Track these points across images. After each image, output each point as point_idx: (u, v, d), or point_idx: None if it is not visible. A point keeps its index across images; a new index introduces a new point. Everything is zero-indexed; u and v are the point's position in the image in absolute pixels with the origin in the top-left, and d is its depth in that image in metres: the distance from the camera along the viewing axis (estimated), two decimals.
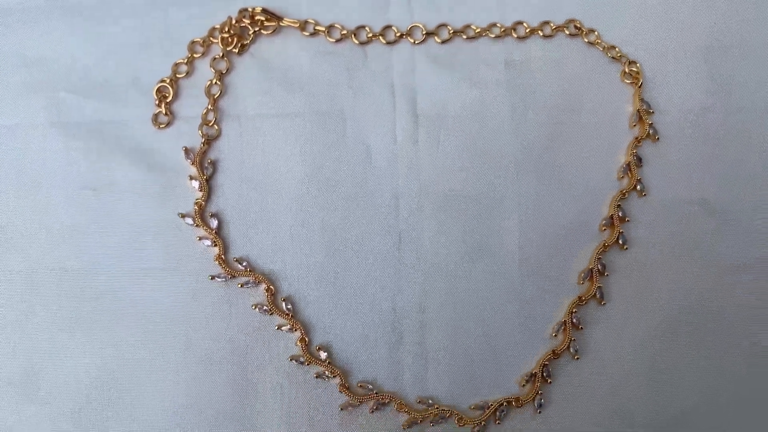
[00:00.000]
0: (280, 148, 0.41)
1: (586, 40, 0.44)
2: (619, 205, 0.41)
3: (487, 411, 0.38)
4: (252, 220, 0.40)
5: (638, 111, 0.42)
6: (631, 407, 0.39)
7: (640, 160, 0.42)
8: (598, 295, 0.40)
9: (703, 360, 0.39)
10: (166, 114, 0.41)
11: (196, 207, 0.40)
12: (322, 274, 0.40)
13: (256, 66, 0.43)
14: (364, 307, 0.39)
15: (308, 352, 0.38)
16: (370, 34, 0.43)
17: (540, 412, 0.38)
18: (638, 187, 0.41)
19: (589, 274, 0.40)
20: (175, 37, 0.43)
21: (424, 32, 0.43)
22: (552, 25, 0.43)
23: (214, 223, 0.40)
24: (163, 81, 0.42)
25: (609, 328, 0.40)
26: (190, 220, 0.40)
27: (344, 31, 0.43)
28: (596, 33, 0.44)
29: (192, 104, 0.42)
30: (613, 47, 0.43)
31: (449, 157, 0.42)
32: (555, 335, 0.39)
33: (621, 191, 0.41)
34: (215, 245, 0.39)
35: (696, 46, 0.44)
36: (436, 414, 0.38)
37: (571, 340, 0.39)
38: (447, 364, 0.39)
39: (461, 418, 0.38)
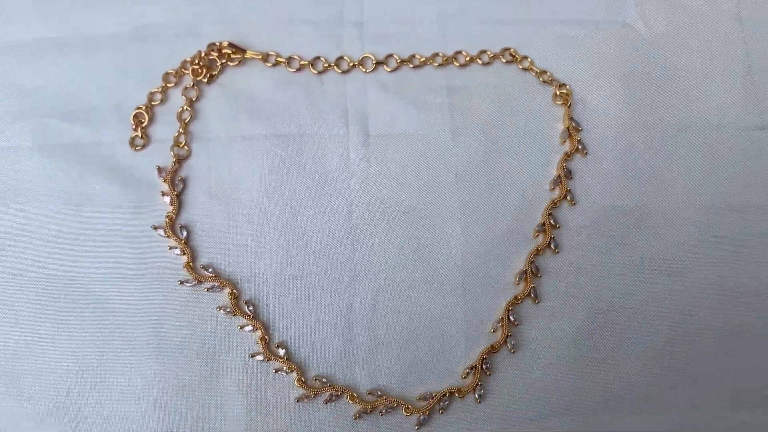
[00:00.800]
0: (244, 167, 0.45)
1: (521, 66, 0.48)
2: (551, 213, 0.45)
3: (432, 401, 0.42)
4: (218, 231, 0.44)
5: (568, 128, 0.47)
6: (563, 395, 0.42)
7: (569, 172, 0.46)
8: (532, 295, 0.44)
9: (627, 350, 0.43)
10: (141, 137, 0.46)
11: (167, 219, 0.44)
12: (280, 278, 0.44)
13: (223, 94, 0.47)
14: (320, 308, 0.43)
15: (268, 350, 0.42)
16: (326, 64, 0.47)
17: (480, 402, 0.42)
18: (568, 196, 0.46)
19: (524, 276, 0.44)
20: (151, 69, 0.47)
21: (374, 62, 0.48)
22: (489, 53, 0.48)
23: (183, 234, 0.44)
24: (139, 108, 0.46)
25: (542, 324, 0.44)
26: (161, 232, 0.44)
27: (303, 62, 0.47)
28: (529, 60, 0.48)
29: (165, 128, 0.46)
30: (545, 72, 0.48)
31: (397, 173, 0.46)
32: (494, 331, 0.43)
33: (552, 200, 0.45)
34: (184, 254, 0.43)
35: (618, 71, 0.48)
36: (385, 404, 0.42)
37: (507, 336, 0.43)
38: (396, 358, 0.43)
39: (408, 408, 0.42)
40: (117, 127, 0.46)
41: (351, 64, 0.48)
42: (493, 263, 0.45)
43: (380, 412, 0.42)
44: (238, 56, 0.47)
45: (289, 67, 0.47)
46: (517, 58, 0.48)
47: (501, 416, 0.42)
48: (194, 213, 0.45)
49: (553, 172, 0.46)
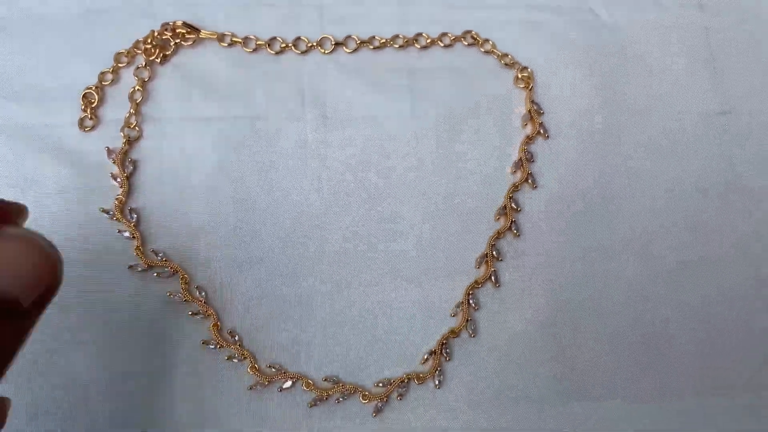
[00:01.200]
0: (197, 148, 0.44)
1: (482, 50, 0.48)
2: (512, 196, 0.44)
3: (389, 387, 0.41)
4: (169, 215, 0.43)
5: (529, 111, 0.46)
6: (524, 381, 0.42)
7: (531, 156, 0.46)
8: (493, 279, 0.43)
9: (589, 336, 0.43)
10: (91, 118, 0.44)
11: (116, 202, 0.42)
12: (233, 264, 0.42)
13: (177, 74, 0.46)
14: (273, 293, 0.42)
15: (220, 337, 0.41)
16: (283, 44, 0.46)
17: (439, 387, 0.41)
18: (530, 180, 0.45)
19: (485, 259, 0.43)
20: (103, 50, 0.46)
21: (333, 42, 0.47)
22: (450, 36, 0.48)
23: (133, 217, 0.42)
24: (89, 88, 0.44)
25: (503, 309, 0.43)
26: (110, 215, 0.42)
27: (259, 41, 0.46)
28: (491, 42, 0.48)
29: (116, 109, 0.44)
30: (506, 55, 0.47)
31: (356, 155, 0.45)
32: (453, 315, 0.42)
33: (514, 184, 0.45)
34: (134, 238, 0.42)
35: (581, 56, 0.48)
36: (342, 391, 0.40)
37: (467, 320, 0.42)
38: (353, 345, 0.42)
39: (365, 395, 0.40)
40: (67, 109, 0.44)
41: (309, 45, 0.46)
42: (454, 247, 0.44)
43: (336, 399, 0.40)
44: (193, 36, 0.46)
45: (246, 47, 0.46)
46: (478, 41, 0.48)
47: (460, 402, 0.41)
48: (145, 196, 0.43)
49: (515, 156, 0.46)
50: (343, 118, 0.45)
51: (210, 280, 0.42)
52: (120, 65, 0.46)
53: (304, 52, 0.47)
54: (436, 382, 0.41)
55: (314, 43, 0.46)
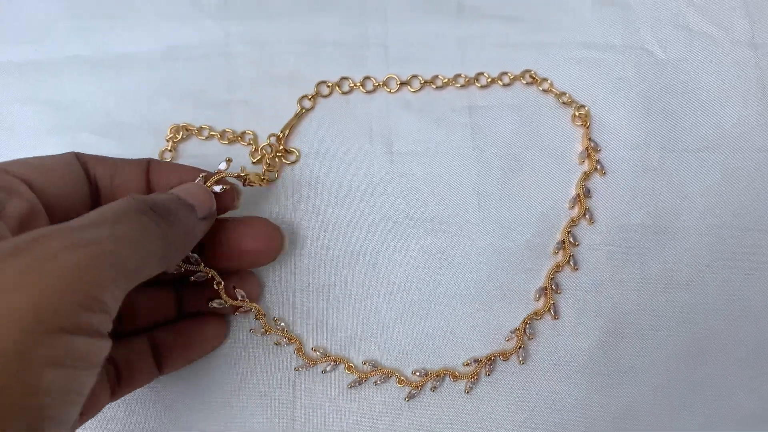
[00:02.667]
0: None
1: (540, 88, 0.50)
2: (570, 231, 0.46)
3: (427, 377, 0.43)
4: None
5: (587, 149, 0.48)
6: (575, 411, 0.44)
7: (588, 191, 0.47)
8: (552, 311, 0.45)
9: (641, 367, 0.44)
10: (170, 150, 0.47)
11: None
12: (304, 290, 0.45)
13: None
14: (340, 320, 0.45)
15: (266, 323, 0.43)
16: (352, 84, 0.49)
17: (468, 393, 0.44)
18: (587, 215, 0.47)
19: (544, 291, 0.45)
20: (181, 88, 0.49)
21: (398, 82, 0.49)
22: (510, 75, 0.50)
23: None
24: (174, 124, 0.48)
25: (558, 339, 0.45)
26: None
27: (329, 84, 0.49)
28: (549, 81, 0.50)
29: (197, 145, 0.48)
30: (564, 93, 0.49)
31: (420, 189, 0.47)
32: (508, 340, 0.45)
33: (572, 219, 0.47)
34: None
35: (636, 93, 0.50)
36: (381, 374, 0.43)
37: (520, 347, 0.44)
38: (405, 351, 0.45)
39: (401, 380, 0.43)
40: (149, 143, 0.48)
41: (376, 84, 0.49)
42: (512, 279, 0.46)
43: (374, 382, 0.43)
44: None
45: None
46: (536, 80, 0.50)
47: (498, 421, 0.43)
48: None
49: (573, 191, 0.48)
50: (407, 152, 0.48)
51: (283, 305, 0.45)
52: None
53: (371, 92, 0.49)
54: (467, 387, 0.43)
55: (381, 83, 0.49)
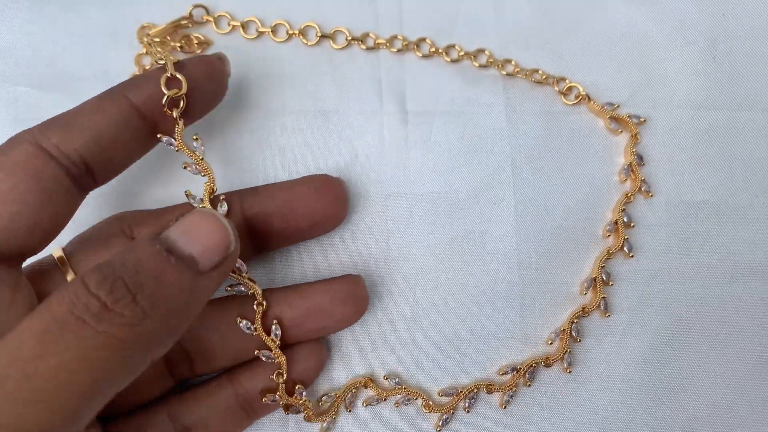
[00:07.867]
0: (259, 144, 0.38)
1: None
2: (624, 209, 0.38)
3: (456, 397, 0.35)
4: None
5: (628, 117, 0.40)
6: (629, 424, 0.36)
7: (641, 158, 0.39)
8: (602, 307, 0.37)
9: (708, 372, 0.37)
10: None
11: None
12: None
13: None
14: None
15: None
16: (378, 40, 0.40)
17: (505, 407, 0.36)
18: (643, 188, 0.39)
19: (593, 284, 0.37)
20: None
21: (410, 43, 0.40)
22: (541, 73, 0.40)
23: None
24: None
25: (609, 341, 0.37)
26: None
27: (349, 37, 0.40)
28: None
29: None
30: None
31: (440, 157, 0.39)
32: (551, 343, 0.37)
33: (625, 194, 0.38)
34: None
35: (685, 99, 0.41)
36: (405, 394, 0.35)
37: (566, 352, 0.36)
38: (435, 368, 0.36)
39: (428, 404, 0.35)
40: None
41: (404, 44, 0.40)
42: (554, 268, 0.38)
43: (395, 403, 0.36)
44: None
45: (335, 43, 0.40)
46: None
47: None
48: None
49: (623, 161, 0.39)
50: (425, 112, 0.39)
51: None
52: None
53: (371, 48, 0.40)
54: (504, 402, 0.36)
55: (410, 42, 0.40)
